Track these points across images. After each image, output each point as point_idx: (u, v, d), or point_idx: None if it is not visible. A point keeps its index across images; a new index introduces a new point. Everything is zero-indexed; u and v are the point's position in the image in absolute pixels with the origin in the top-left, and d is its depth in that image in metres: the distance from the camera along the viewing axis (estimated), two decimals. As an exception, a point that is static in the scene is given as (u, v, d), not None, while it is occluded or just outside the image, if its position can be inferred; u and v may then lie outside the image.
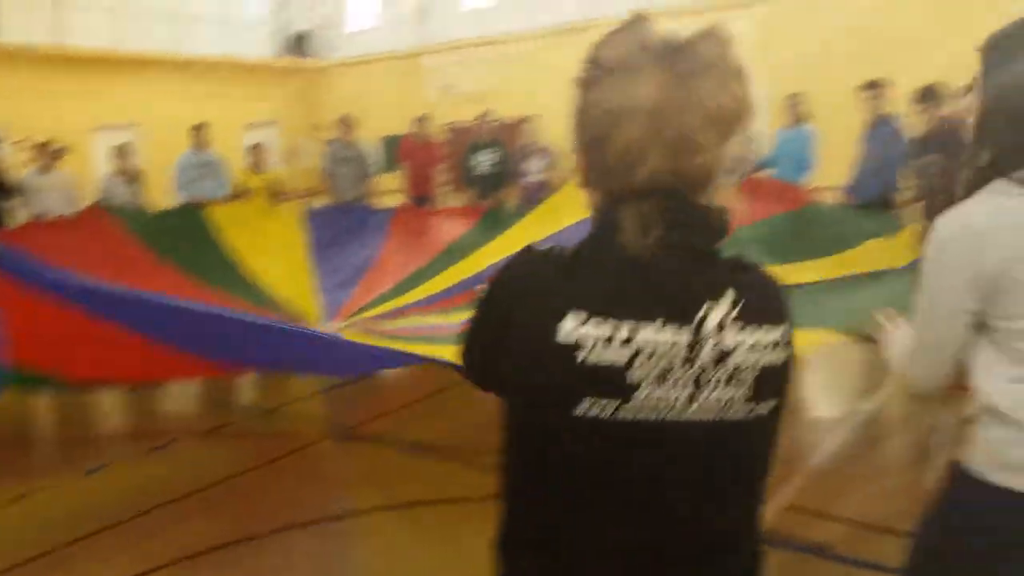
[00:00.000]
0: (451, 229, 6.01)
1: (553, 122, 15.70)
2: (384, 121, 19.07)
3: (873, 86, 6.13)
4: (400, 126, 18.48)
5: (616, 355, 0.90)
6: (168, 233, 5.39)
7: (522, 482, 1.03)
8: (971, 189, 1.45)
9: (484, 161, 8.11)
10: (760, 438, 0.99)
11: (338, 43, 20.92)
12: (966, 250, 1.41)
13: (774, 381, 0.96)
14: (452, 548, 3.17)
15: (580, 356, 0.90)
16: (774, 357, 0.95)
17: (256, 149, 8.14)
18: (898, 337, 1.68)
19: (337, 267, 5.60)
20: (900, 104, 6.04)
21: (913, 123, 5.73)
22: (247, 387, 5.83)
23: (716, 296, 0.92)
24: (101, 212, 5.78)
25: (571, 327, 0.90)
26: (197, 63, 17.49)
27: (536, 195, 7.29)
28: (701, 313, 0.91)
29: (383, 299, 5.33)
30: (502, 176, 7.98)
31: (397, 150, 9.08)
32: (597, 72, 0.95)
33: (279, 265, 5.51)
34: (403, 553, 3.29)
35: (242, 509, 3.69)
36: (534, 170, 7.92)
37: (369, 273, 5.61)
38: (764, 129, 7.74)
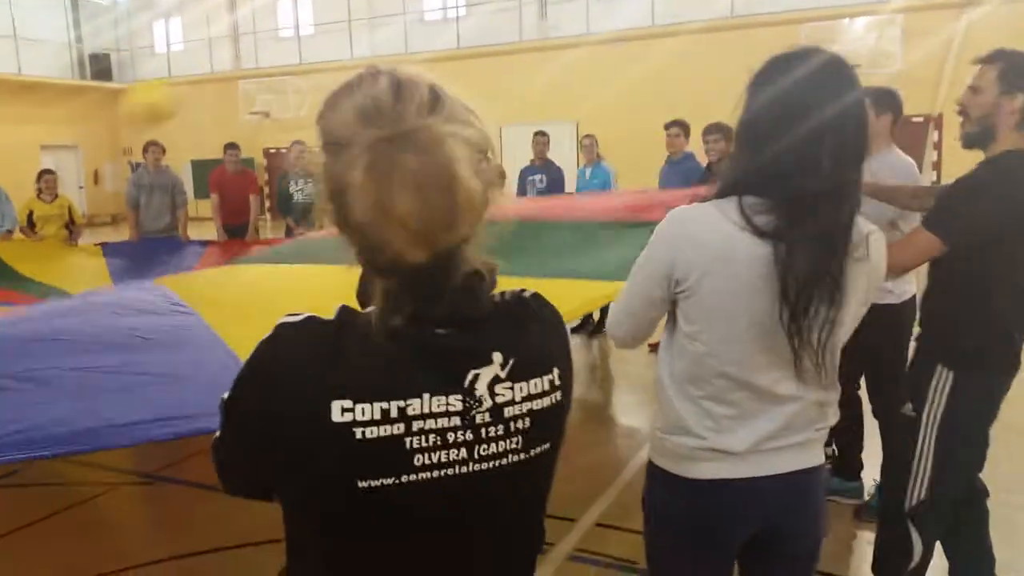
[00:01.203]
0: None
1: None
2: (197, 145, 18.33)
3: (677, 124, 6.68)
4: (215, 150, 17.86)
5: (392, 429, 0.91)
6: None
7: (319, 565, 1.02)
8: (709, 193, 1.57)
9: (298, 190, 8.04)
10: (537, 477, 1.05)
11: (142, 65, 19.89)
12: (669, 246, 1.55)
13: (547, 424, 1.02)
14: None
15: (357, 433, 0.90)
16: (546, 402, 1.00)
17: (46, 176, 7.51)
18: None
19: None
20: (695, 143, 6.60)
21: (702, 155, 6.28)
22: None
23: (484, 360, 0.96)
24: None
25: (344, 407, 0.90)
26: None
27: None
28: (470, 379, 0.95)
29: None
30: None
31: (209, 178, 8.77)
32: (327, 142, 0.92)
33: (79, 280, 5.15)
34: None
35: (38, 559, 3.44)
36: None
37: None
38: (570, 166, 8.32)
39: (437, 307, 0.92)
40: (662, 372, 1.66)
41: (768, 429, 1.57)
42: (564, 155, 11.59)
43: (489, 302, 0.98)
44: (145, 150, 7.90)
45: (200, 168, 18.72)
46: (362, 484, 0.91)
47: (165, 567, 3.38)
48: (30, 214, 7.25)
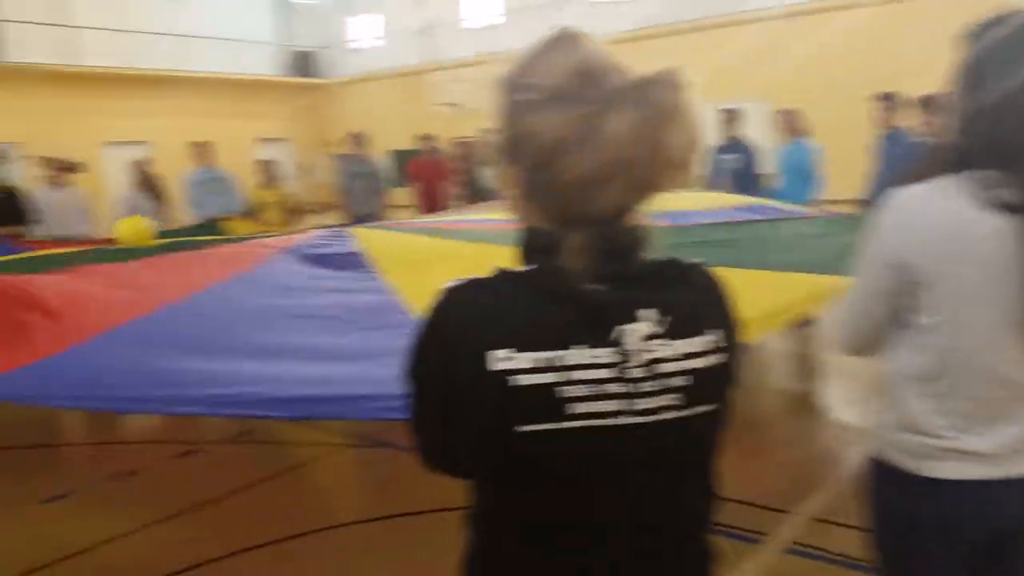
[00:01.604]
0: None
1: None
2: (391, 136, 19.31)
3: (886, 97, 6.23)
4: (407, 141, 18.72)
5: (544, 377, 0.96)
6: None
7: (487, 503, 1.10)
8: (930, 172, 1.44)
9: (491, 176, 8.28)
10: (700, 436, 1.06)
11: (342, 61, 21.16)
12: (896, 234, 1.44)
13: (709, 384, 1.03)
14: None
15: (511, 380, 0.95)
16: (706, 362, 1.01)
17: (265, 165, 8.27)
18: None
19: None
20: (910, 116, 6.12)
21: (921, 132, 5.81)
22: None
23: (636, 316, 0.98)
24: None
25: (499, 356, 0.95)
26: (204, 81, 17.70)
27: None
28: (622, 333, 0.97)
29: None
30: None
31: (406, 167, 9.24)
32: (535, 95, 0.96)
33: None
34: (416, 562, 3.30)
35: (258, 517, 3.77)
36: None
37: None
38: (764, 143, 7.88)
39: (614, 260, 0.97)
40: (894, 368, 1.55)
41: (1022, 428, 1.44)
42: (755, 134, 11.08)
43: (645, 262, 1.01)
44: (350, 142, 8.46)
45: (396, 158, 19.68)
46: (518, 429, 0.96)
47: (371, 527, 3.61)
48: (255, 200, 7.97)
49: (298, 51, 21.13)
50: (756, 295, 2.39)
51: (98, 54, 16.36)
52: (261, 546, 3.38)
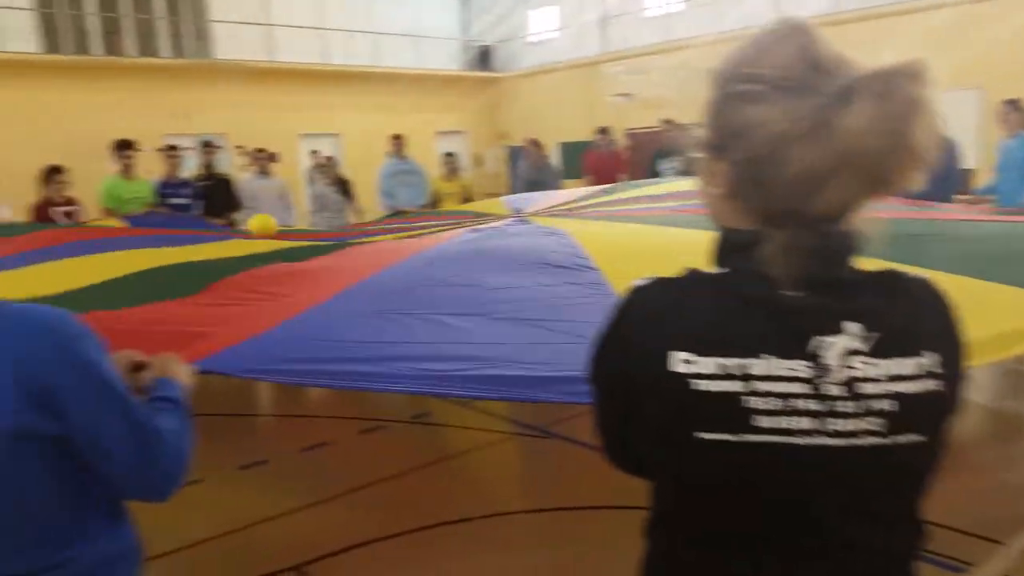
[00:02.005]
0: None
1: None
2: (564, 128, 19.43)
3: (1011, 103, 5.49)
4: (581, 132, 18.75)
5: (730, 385, 0.91)
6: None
7: (667, 509, 1.06)
8: None
9: (669, 168, 8.07)
10: (903, 469, 0.96)
11: (521, 54, 21.46)
12: None
13: (919, 412, 0.92)
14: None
15: (693, 384, 0.91)
16: (917, 387, 0.91)
17: (451, 157, 8.54)
18: None
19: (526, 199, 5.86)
20: None
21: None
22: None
23: (838, 328, 0.90)
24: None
25: (682, 358, 0.92)
26: (390, 76, 18.51)
27: None
28: (819, 345, 0.90)
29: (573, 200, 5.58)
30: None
31: (582, 160, 9.23)
32: (759, 87, 0.91)
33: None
34: (574, 556, 3.25)
35: (426, 499, 3.85)
36: None
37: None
38: (975, 139, 7.16)
39: (823, 263, 0.90)
40: None
41: None
42: (965, 127, 10.13)
43: (854, 270, 0.93)
44: (529, 146, 8.62)
45: (568, 150, 19.73)
46: (699, 436, 0.92)
47: (534, 518, 3.59)
48: (435, 191, 8.24)
49: (479, 45, 21.66)
50: (991, 312, 2.15)
51: (295, 51, 17.50)
52: (424, 528, 3.46)
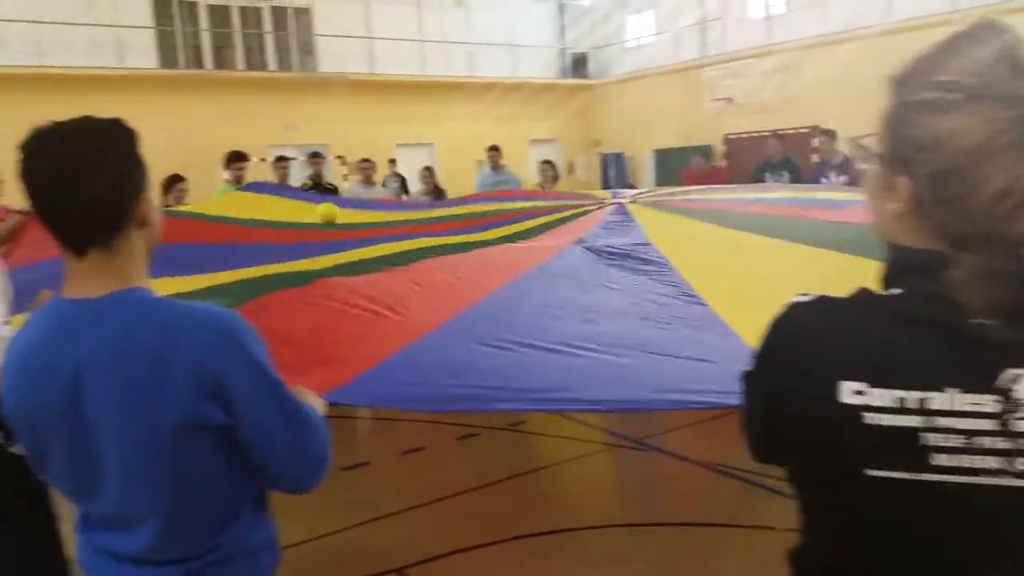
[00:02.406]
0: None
1: (847, 132, 14.68)
2: (658, 134, 19.23)
3: None
4: (674, 139, 18.49)
5: (907, 420, 0.84)
6: None
7: (821, 541, 0.99)
8: None
9: (775, 181, 7.80)
10: None
11: (617, 60, 21.36)
12: None
13: None
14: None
15: (866, 418, 0.85)
16: None
17: (548, 166, 8.52)
18: None
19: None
20: None
21: None
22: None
23: None
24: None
25: (855, 389, 0.85)
26: (485, 85, 18.73)
27: None
28: (1009, 378, 0.82)
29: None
30: None
31: (682, 175, 8.99)
32: (951, 94, 0.84)
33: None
34: (669, 573, 3.19)
35: (517, 508, 3.85)
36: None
37: None
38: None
39: (998, 293, 0.82)
40: None
41: None
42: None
43: None
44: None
45: (662, 157, 19.51)
46: (870, 472, 0.86)
47: (622, 532, 3.54)
48: None
49: (575, 53, 21.68)
50: None
51: (394, 63, 17.93)
52: (519, 538, 3.46)
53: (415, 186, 9.64)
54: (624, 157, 20.47)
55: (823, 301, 0.93)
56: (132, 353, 1.16)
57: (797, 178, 7.38)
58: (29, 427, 1.24)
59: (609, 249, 3.46)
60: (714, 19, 18.34)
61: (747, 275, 3.07)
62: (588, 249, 3.51)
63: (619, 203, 4.49)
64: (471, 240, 3.96)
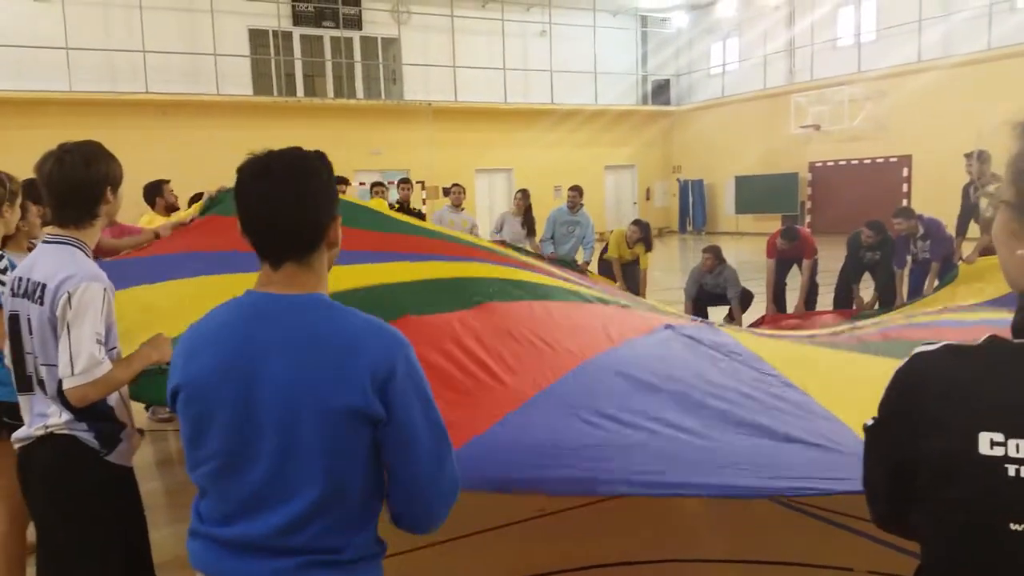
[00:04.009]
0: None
1: (935, 160, 14.06)
2: (740, 161, 18.95)
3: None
4: (755, 166, 18.14)
5: None
6: None
7: None
8: None
9: (867, 256, 7.45)
10: None
11: (699, 87, 21.21)
12: None
13: None
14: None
15: (1011, 470, 0.82)
16: None
17: (637, 228, 7.86)
18: None
19: None
20: None
21: None
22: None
23: None
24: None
25: (994, 440, 0.83)
26: (568, 112, 18.86)
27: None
28: None
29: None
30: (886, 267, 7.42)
31: (767, 244, 8.17)
32: None
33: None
34: None
35: (605, 534, 3.81)
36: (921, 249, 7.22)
37: None
38: None
39: None
40: None
41: None
42: None
43: None
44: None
45: (743, 184, 19.21)
46: (1012, 527, 0.82)
47: (684, 568, 3.46)
48: (611, 254, 8.04)
49: (656, 79, 21.62)
50: None
51: (477, 91, 18.24)
52: (588, 567, 3.42)
53: (498, 209, 9.64)
54: (704, 184, 20.31)
55: (949, 349, 0.90)
56: (319, 345, 1.30)
57: (888, 253, 7.23)
58: (202, 395, 1.35)
59: (700, 336, 3.41)
60: (802, 46, 18.05)
61: (837, 375, 3.04)
62: (680, 333, 3.45)
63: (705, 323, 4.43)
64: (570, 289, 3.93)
